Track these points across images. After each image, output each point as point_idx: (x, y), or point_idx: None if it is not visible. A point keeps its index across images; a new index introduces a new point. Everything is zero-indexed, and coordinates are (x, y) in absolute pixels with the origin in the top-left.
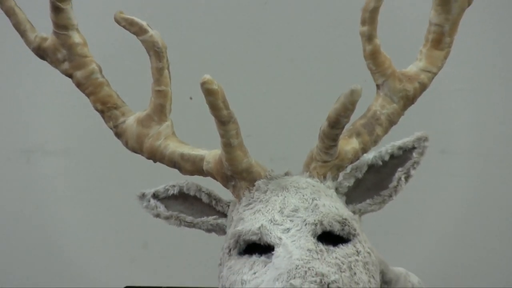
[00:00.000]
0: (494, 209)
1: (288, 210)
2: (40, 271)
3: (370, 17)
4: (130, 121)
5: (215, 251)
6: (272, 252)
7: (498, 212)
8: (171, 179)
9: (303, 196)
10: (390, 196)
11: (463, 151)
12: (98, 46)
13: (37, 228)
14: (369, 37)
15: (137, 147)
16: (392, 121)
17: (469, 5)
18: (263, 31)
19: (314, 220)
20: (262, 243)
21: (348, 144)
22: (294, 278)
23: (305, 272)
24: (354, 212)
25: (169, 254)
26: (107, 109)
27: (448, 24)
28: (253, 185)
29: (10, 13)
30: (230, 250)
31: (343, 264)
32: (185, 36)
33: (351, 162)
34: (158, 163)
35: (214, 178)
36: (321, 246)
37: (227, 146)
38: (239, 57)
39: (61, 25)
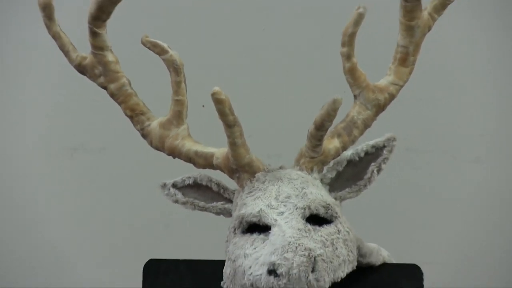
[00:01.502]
0: None
1: (282, 197)
2: (88, 250)
3: (349, 40)
4: (154, 125)
5: (222, 231)
6: (269, 231)
7: None
8: (187, 172)
9: (294, 185)
10: (365, 185)
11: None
12: (131, 63)
13: (79, 214)
14: (347, 57)
15: (159, 146)
16: (367, 125)
17: (429, 30)
18: (261, 52)
19: (303, 205)
20: (261, 224)
21: (331, 143)
22: (287, 252)
23: (296, 247)
24: (335, 199)
25: (186, 233)
26: (135, 115)
27: (412, 45)
28: (254, 177)
29: (56, 37)
30: (235, 230)
31: (327, 240)
32: (198, 56)
33: (333, 158)
34: (176, 159)
35: (222, 171)
36: (309, 226)
37: (233, 145)
38: (242, 73)
39: (98, 47)
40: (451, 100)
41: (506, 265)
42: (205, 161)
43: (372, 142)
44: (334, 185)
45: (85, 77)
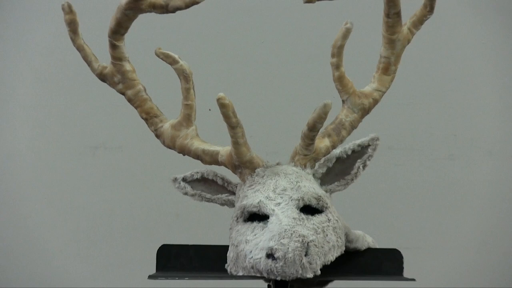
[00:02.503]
0: None
1: (279, 190)
2: (109, 236)
3: (337, 52)
4: (166, 126)
5: (226, 220)
6: (267, 220)
7: None
8: (195, 168)
9: (290, 180)
10: (352, 179)
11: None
12: (146, 72)
13: (102, 205)
14: (336, 66)
15: (171, 145)
16: (353, 126)
17: (408, 43)
18: (261, 64)
19: (298, 197)
20: (260, 213)
21: (322, 143)
22: (283, 238)
23: (291, 234)
24: (326, 191)
25: (194, 221)
26: (149, 117)
27: (393, 56)
28: (254, 172)
29: (80, 49)
30: (237, 218)
31: (318, 228)
32: (205, 66)
33: (324, 155)
34: (186, 156)
35: (226, 166)
36: (302, 215)
37: (235, 144)
38: (244, 81)
39: (117, 57)
40: (427, 104)
41: (478, 248)
42: (211, 158)
43: (358, 142)
44: (325, 179)
45: (105, 84)
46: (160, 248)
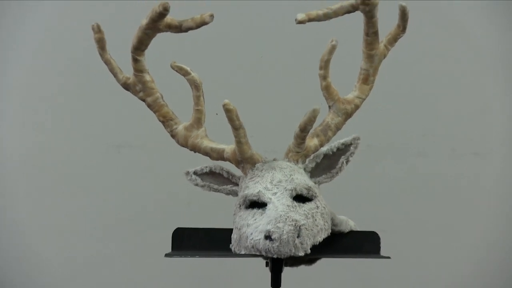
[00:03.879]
0: None
1: (275, 181)
2: (134, 223)
3: (324, 65)
4: (180, 128)
5: (230, 207)
6: (265, 207)
7: None
8: (204, 163)
9: (284, 173)
10: (337, 173)
11: None
12: (163, 81)
13: (127, 197)
14: (324, 77)
15: (184, 144)
16: (338, 128)
17: (384, 57)
18: (260, 74)
19: (291, 188)
20: (259, 201)
21: (311, 142)
22: (279, 222)
23: (286, 219)
24: (315, 183)
25: (203, 208)
26: (166, 120)
27: (372, 69)
28: (254, 166)
29: (107, 63)
30: (240, 206)
31: (308, 214)
32: (212, 76)
33: (313, 152)
34: (196, 153)
35: (231, 162)
36: (295, 203)
37: (238, 143)
38: (245, 90)
39: (138, 70)
40: (401, 108)
41: (442, 231)
42: (218, 155)
43: (342, 141)
44: (314, 172)
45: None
46: (175, 231)
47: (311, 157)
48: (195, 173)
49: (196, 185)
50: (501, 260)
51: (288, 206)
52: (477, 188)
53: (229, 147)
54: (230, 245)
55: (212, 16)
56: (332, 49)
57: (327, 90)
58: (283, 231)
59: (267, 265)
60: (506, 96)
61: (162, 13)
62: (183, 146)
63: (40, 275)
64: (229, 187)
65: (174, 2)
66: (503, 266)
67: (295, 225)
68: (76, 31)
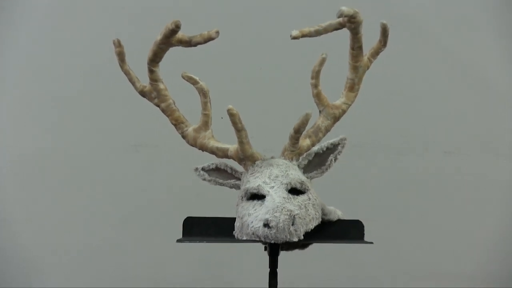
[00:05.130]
0: None
1: (273, 176)
2: (150, 212)
3: (316, 75)
4: (190, 130)
5: (233, 199)
6: (264, 199)
7: None
8: (211, 160)
9: (281, 169)
10: (326, 169)
11: None
12: (175, 89)
13: (144, 189)
14: (315, 86)
15: (193, 143)
16: (327, 130)
17: (368, 68)
18: (259, 82)
19: (286, 182)
20: (259, 194)
21: (304, 142)
22: (276, 212)
23: (282, 209)
24: (307, 178)
25: (210, 199)
26: (177, 123)
27: (357, 78)
28: (254, 163)
29: (127, 73)
30: (242, 198)
31: (302, 205)
32: (218, 85)
33: (306, 151)
34: (204, 152)
35: (234, 159)
36: (290, 195)
37: (241, 143)
38: (247, 96)
39: (153, 79)
40: (381, 112)
41: (417, 221)
42: (223, 153)
43: (331, 141)
44: (306, 169)
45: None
46: (185, 219)
47: (304, 155)
48: (202, 169)
49: (204, 179)
50: (469, 244)
51: (284, 198)
52: (446, 182)
53: (232, 146)
54: (234, 232)
55: (218, 32)
56: (322, 61)
57: (318, 97)
58: (279, 219)
59: (265, 249)
60: (471, 102)
61: (174, 30)
62: (192, 146)
63: (69, 258)
64: (232, 181)
65: (182, 17)
66: (471, 249)
67: (290, 214)
68: (101, 40)
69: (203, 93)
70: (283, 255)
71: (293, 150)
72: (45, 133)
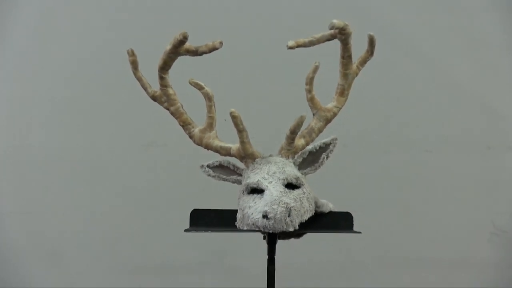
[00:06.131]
0: None
1: (271, 173)
2: (162, 204)
3: (309, 82)
4: (196, 131)
5: (235, 193)
6: (263, 193)
7: None
8: (215, 158)
9: (278, 166)
10: (319, 166)
11: None
12: (183, 93)
13: (156, 185)
14: (309, 91)
15: (199, 143)
16: (320, 131)
17: (356, 75)
18: (258, 88)
19: (283, 177)
20: (258, 188)
21: (299, 141)
22: (274, 205)
23: (279, 202)
24: (302, 174)
25: (214, 193)
26: (185, 125)
27: (346, 84)
28: (254, 161)
29: (139, 80)
30: (243, 192)
31: (297, 198)
32: (221, 91)
33: (301, 150)
34: (209, 151)
35: (236, 157)
36: (286, 190)
37: (242, 142)
38: (247, 100)
39: (163, 85)
40: (369, 115)
41: (397, 212)
42: (226, 152)
43: (323, 141)
44: (301, 166)
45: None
46: (192, 211)
47: (299, 153)
48: (208, 166)
49: (209, 175)
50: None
51: (281, 192)
52: (426, 177)
53: (234, 145)
54: (235, 222)
55: (221, 43)
56: (315, 69)
57: (311, 101)
58: (277, 211)
59: (264, 238)
60: (448, 106)
61: (182, 40)
62: (198, 145)
63: (89, 244)
64: (234, 177)
65: (188, 29)
66: (449, 236)
67: (287, 207)
68: (121, 48)
69: (208, 98)
70: (280, 244)
71: (289, 149)
72: (70, 133)
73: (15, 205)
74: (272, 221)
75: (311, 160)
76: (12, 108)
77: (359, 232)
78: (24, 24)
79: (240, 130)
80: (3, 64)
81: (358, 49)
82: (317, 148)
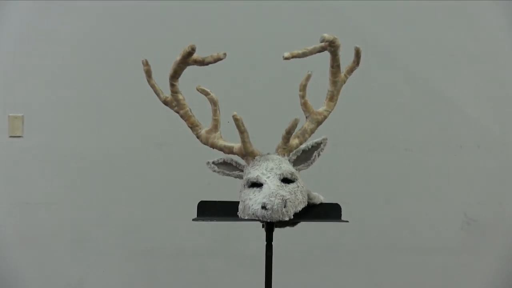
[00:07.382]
0: None
1: (269, 169)
2: (173, 197)
3: (303, 88)
4: (203, 131)
5: (237, 187)
6: (262, 186)
7: None
8: (220, 156)
9: (275, 163)
10: (311, 163)
11: None
12: (191, 98)
13: (168, 179)
14: (302, 97)
15: (205, 143)
16: (312, 132)
17: (344, 83)
18: (258, 94)
19: (280, 173)
20: (258, 182)
21: (293, 141)
22: (271, 197)
23: (276, 194)
24: (296, 170)
25: (219, 187)
26: (193, 126)
27: (335, 91)
28: (254, 158)
29: (152, 86)
30: (244, 185)
31: (292, 191)
32: (225, 95)
33: (295, 148)
34: (214, 149)
35: (238, 155)
36: (282, 184)
37: (243, 142)
38: (248, 103)
39: (174, 91)
40: (356, 117)
41: (381, 205)
42: (229, 150)
43: (315, 140)
44: (296, 162)
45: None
46: (199, 203)
47: (294, 152)
48: (213, 162)
49: (214, 171)
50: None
51: (277, 185)
52: (407, 173)
53: (237, 144)
54: (238, 213)
55: (225, 54)
56: (308, 77)
57: (304, 105)
58: (274, 203)
59: (263, 226)
60: (426, 109)
61: (191, 52)
62: (205, 144)
63: (111, 232)
64: (236, 172)
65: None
66: (426, 225)
67: (283, 199)
68: (138, 56)
69: (213, 102)
70: (277, 231)
71: (285, 147)
72: (96, 135)
73: (47, 196)
74: (270, 212)
75: (304, 157)
76: (56, 110)
77: (347, 221)
78: (43, 23)
79: (242, 131)
80: (40, 69)
81: (346, 59)
82: (310, 147)
